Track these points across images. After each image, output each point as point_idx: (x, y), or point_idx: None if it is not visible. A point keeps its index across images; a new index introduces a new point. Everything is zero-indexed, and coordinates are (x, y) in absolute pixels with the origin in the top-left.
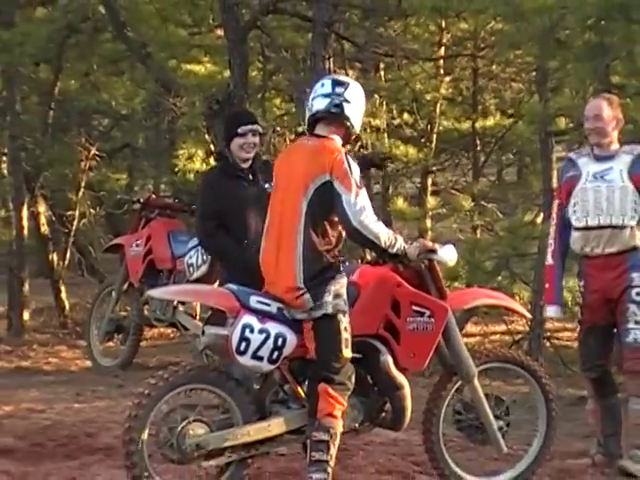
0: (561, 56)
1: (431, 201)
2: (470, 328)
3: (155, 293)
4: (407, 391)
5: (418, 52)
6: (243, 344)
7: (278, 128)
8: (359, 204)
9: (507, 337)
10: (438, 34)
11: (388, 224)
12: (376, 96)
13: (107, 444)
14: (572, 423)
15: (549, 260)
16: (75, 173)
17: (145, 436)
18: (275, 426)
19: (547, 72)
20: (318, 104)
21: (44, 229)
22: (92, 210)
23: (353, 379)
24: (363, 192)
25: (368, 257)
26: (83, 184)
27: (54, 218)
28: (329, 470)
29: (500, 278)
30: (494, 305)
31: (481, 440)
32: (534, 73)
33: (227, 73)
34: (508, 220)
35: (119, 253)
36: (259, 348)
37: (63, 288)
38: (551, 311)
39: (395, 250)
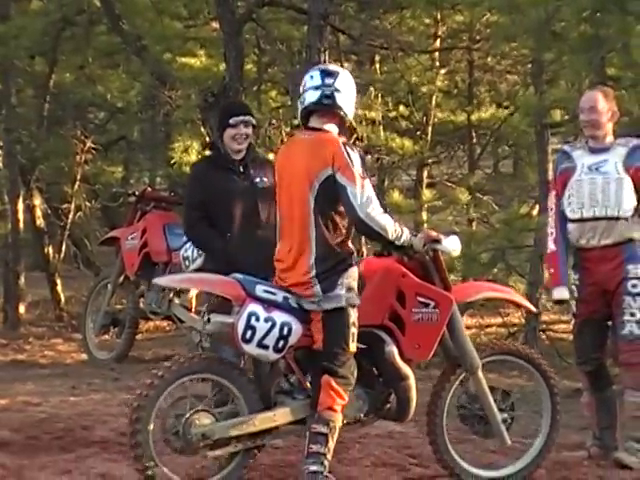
0: (556, 48)
1: (427, 194)
2: (466, 320)
3: (161, 281)
4: (412, 382)
5: (413, 44)
6: (249, 332)
7: (274, 121)
8: (365, 195)
9: (503, 330)
10: (433, 26)
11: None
12: (371, 89)
13: (103, 437)
14: (568, 415)
15: (551, 247)
16: (71, 166)
17: (151, 426)
18: (281, 416)
19: (542, 64)
20: (309, 97)
21: (40, 222)
22: (88, 203)
23: (355, 374)
24: (367, 183)
25: (363, 249)
26: (79, 177)
27: (49, 211)
28: (326, 463)
29: (496, 270)
30: (498, 298)
31: (484, 432)
32: (529, 65)
33: (222, 66)
34: (504, 212)
35: (115, 246)
36: (265, 337)
37: (59, 281)
38: (558, 292)
39: (402, 242)
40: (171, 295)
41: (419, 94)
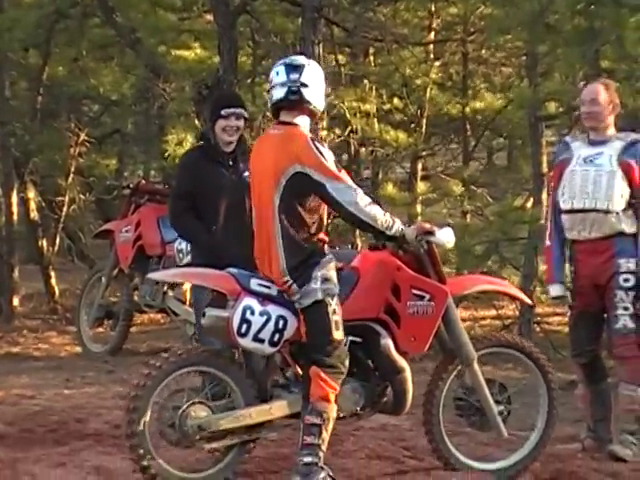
0: (551, 41)
1: (421, 186)
2: (460, 313)
3: (155, 276)
4: (408, 374)
5: (408, 37)
6: (244, 326)
7: (268, 113)
8: (345, 187)
9: (497, 322)
10: (428, 19)
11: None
12: (366, 81)
13: (97, 430)
14: (562, 408)
15: (546, 241)
16: (65, 159)
17: (147, 417)
18: (277, 409)
19: (537, 57)
20: (276, 94)
21: (34, 215)
22: (82, 196)
23: (347, 363)
24: (344, 174)
25: (358, 242)
26: (73, 170)
27: (44, 204)
28: (320, 454)
29: (490, 263)
30: (494, 291)
31: (480, 425)
32: (524, 58)
33: (217, 58)
34: (498, 205)
35: (109, 239)
36: (260, 330)
37: (53, 274)
38: (553, 290)
39: (393, 232)
40: (165, 288)
41: (413, 86)
